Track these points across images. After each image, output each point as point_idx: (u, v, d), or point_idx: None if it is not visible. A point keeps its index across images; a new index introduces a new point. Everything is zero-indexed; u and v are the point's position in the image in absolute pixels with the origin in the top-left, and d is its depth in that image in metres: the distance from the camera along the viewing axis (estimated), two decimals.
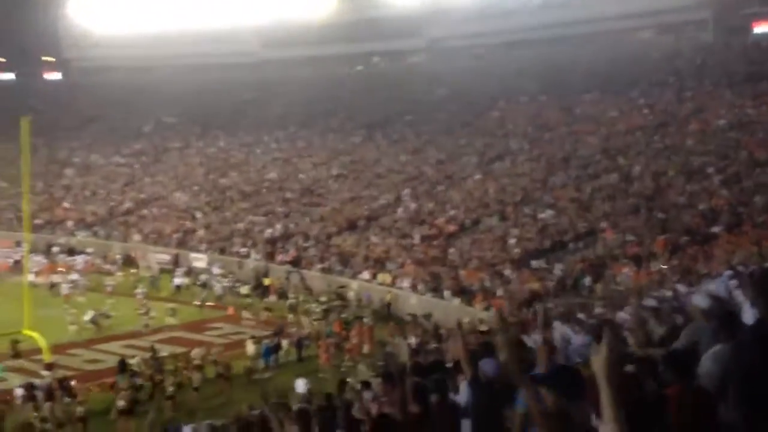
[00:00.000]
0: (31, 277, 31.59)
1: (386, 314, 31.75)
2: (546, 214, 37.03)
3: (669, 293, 13.30)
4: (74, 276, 39.31)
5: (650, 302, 10.02)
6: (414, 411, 6.80)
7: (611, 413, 3.04)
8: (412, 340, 22.10)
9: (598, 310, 18.03)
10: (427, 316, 28.84)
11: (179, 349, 25.72)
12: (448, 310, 29.66)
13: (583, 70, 55.45)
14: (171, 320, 31.21)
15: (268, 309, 32.65)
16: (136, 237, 48.15)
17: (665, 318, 8.48)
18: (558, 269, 30.52)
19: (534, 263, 31.84)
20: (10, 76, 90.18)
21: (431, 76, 65.53)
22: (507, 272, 31.52)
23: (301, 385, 15.34)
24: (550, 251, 33.02)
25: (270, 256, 40.75)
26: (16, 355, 24.72)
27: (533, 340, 9.06)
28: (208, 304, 34.70)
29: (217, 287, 37.09)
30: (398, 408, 6.83)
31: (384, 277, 34.89)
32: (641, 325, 8.24)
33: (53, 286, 37.33)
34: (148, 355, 23.92)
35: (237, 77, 76.58)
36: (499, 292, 29.79)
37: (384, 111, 62.81)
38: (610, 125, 47.47)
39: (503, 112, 56.33)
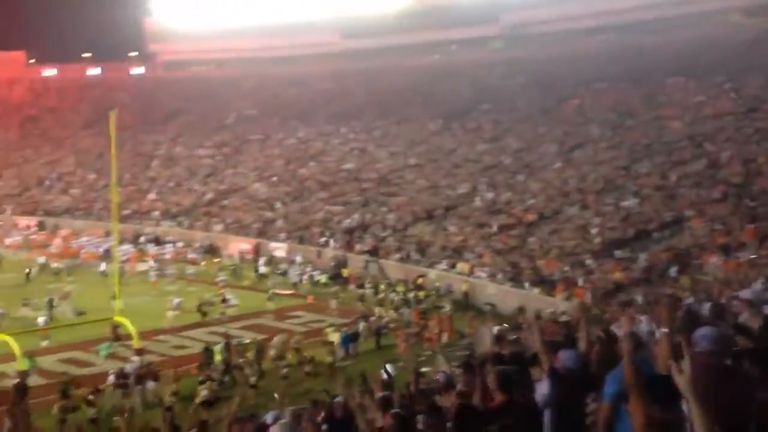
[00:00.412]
0: (119, 266, 32.60)
1: (465, 304, 31.63)
2: (629, 203, 36.23)
3: (760, 285, 12.78)
4: (161, 264, 40.53)
5: (745, 294, 9.63)
6: (498, 400, 6.73)
7: (702, 426, 3.08)
8: (495, 330, 21.91)
9: (686, 301, 17.48)
10: (521, 309, 28.44)
11: (261, 336, 26.18)
12: (528, 299, 29.35)
13: (665, 55, 53.84)
14: (270, 305, 31.97)
15: (361, 299, 32.69)
16: (218, 227, 49.22)
17: (759, 311, 8.14)
18: (642, 259, 29.81)
19: (617, 253, 31.20)
20: (97, 70, 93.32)
21: (509, 63, 64.76)
22: (589, 262, 30.96)
23: (391, 369, 15.32)
24: (634, 240, 32.29)
25: (348, 246, 41.07)
26: (116, 338, 25.54)
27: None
28: (285, 292, 35.17)
29: (295, 276, 37.63)
30: (479, 397, 6.77)
31: (462, 266, 34.74)
32: (733, 317, 7.93)
33: (124, 274, 38.41)
34: (234, 341, 24.46)
35: (316, 68, 77.37)
36: (581, 282, 29.31)
37: (461, 99, 62.41)
38: (696, 111, 46.02)
39: (583, 99, 55.25)
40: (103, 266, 39.39)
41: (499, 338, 21.12)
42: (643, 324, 10.29)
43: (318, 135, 64.25)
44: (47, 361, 23.24)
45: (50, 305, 29.75)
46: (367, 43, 76.01)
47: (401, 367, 21.30)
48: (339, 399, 11.51)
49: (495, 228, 38.10)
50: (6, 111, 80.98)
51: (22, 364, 21.34)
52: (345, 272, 37.94)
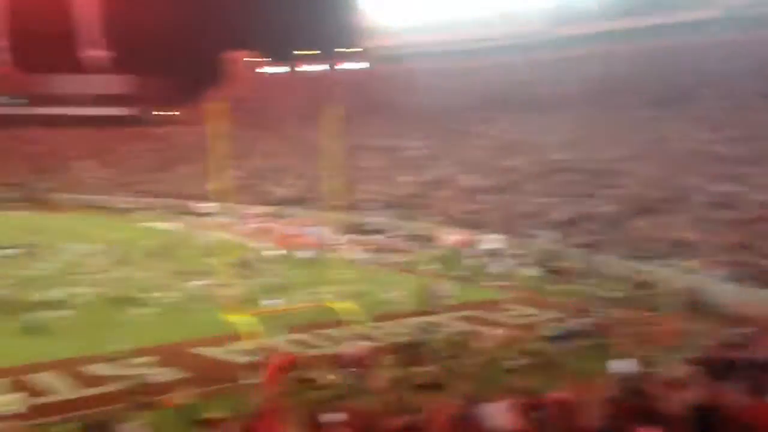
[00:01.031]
0: (333, 254, 33.99)
1: (691, 303, 29.68)
2: None
3: None
4: (374, 253, 41.80)
5: None
6: (751, 404, 6.31)
7: None
8: (725, 332, 20.45)
9: None
10: None
11: (474, 328, 26.18)
12: (762, 299, 27.04)
13: None
14: (480, 296, 31.89)
15: (577, 294, 31.77)
16: (429, 217, 49.87)
17: None
18: None
19: None
20: (317, 67, 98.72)
21: (729, 47, 60.34)
22: None
23: (623, 366, 14.64)
24: None
25: (562, 239, 40.05)
26: (339, 323, 26.54)
27: None
28: (498, 284, 34.94)
29: (506, 268, 37.25)
30: (718, 399, 6.40)
31: (687, 263, 32.66)
32: None
33: (330, 262, 39.84)
34: (443, 331, 24.60)
35: (525, 57, 76.44)
36: None
37: (680, 86, 59.00)
38: None
39: None
40: (310, 253, 41.35)
41: (731, 342, 19.72)
42: None
43: (528, 125, 63.34)
44: (278, 342, 24.58)
45: (275, 290, 31.57)
46: (578, 29, 73.97)
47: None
48: (554, 394, 11.21)
49: (722, 223, 35.56)
50: (236, 106, 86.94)
51: (251, 337, 22.67)
52: (558, 266, 36.99)
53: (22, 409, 17.51)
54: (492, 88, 74.29)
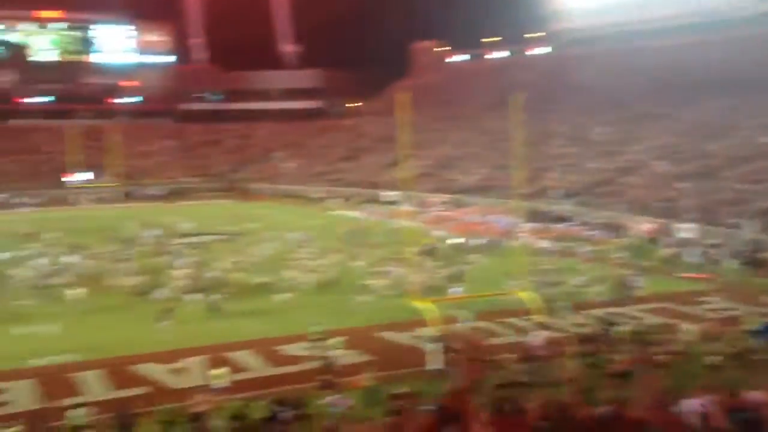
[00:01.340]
0: (517, 242, 33.67)
1: None
2: None
3: None
4: (561, 242, 40.98)
5: None
6: None
7: None
8: None
9: None
10: None
11: (666, 321, 25.10)
12: None
13: None
14: (690, 288, 30.53)
15: None
16: (619, 205, 48.18)
17: None
18: None
19: None
20: (502, 53, 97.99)
21: None
22: None
23: None
24: None
25: (766, 228, 37.36)
26: (524, 312, 26.38)
27: None
28: (692, 275, 33.22)
29: (704, 259, 35.34)
30: None
31: None
32: None
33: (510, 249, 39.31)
34: (633, 323, 23.76)
35: (724, 35, 71.68)
36: None
37: None
38: None
39: None
40: (495, 242, 41.18)
41: None
42: None
43: (730, 107, 59.39)
44: (464, 329, 24.83)
45: (459, 278, 31.84)
46: None
47: None
48: (758, 393, 10.58)
49: None
50: (421, 95, 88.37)
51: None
52: (761, 257, 34.52)
53: (228, 384, 18.82)
54: (687, 68, 70.27)
